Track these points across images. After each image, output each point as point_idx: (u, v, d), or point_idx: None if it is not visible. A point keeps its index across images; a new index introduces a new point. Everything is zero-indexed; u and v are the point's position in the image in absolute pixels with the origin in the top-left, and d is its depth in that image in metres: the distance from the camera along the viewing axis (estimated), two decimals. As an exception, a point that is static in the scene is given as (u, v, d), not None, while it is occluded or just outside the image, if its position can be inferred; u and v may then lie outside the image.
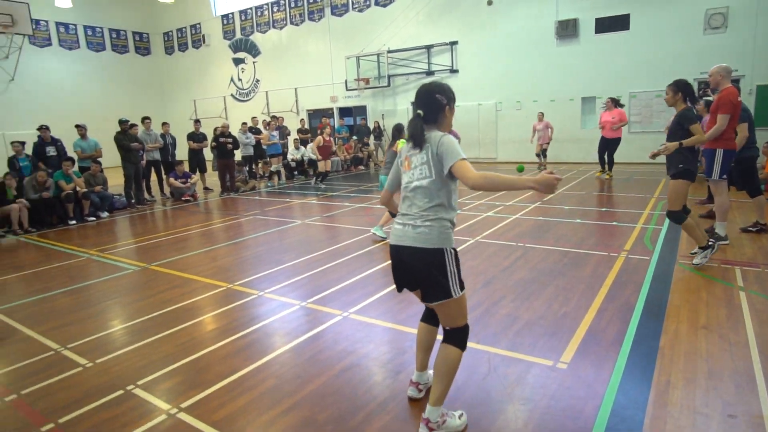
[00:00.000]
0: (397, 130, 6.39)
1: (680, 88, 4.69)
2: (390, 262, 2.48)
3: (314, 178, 12.76)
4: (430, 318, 2.67)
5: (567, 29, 13.61)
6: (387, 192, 2.71)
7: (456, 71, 15.83)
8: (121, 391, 2.99)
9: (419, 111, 2.37)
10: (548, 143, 13.28)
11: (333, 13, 18.10)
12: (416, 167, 2.33)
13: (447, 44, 15.74)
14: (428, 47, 16.09)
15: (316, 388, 2.91)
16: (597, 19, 13.30)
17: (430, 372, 2.76)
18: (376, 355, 3.28)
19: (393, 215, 6.70)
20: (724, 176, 5.23)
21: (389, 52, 16.49)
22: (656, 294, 4.08)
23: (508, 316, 3.80)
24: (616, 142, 10.91)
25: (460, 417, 2.47)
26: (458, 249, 5.83)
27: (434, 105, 2.34)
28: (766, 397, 2.58)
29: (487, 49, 15.12)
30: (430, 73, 16.23)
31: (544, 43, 14.15)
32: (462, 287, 2.33)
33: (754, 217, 5.91)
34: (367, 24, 17.20)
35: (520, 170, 6.07)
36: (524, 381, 2.87)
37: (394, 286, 4.52)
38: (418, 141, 2.32)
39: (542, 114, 13.38)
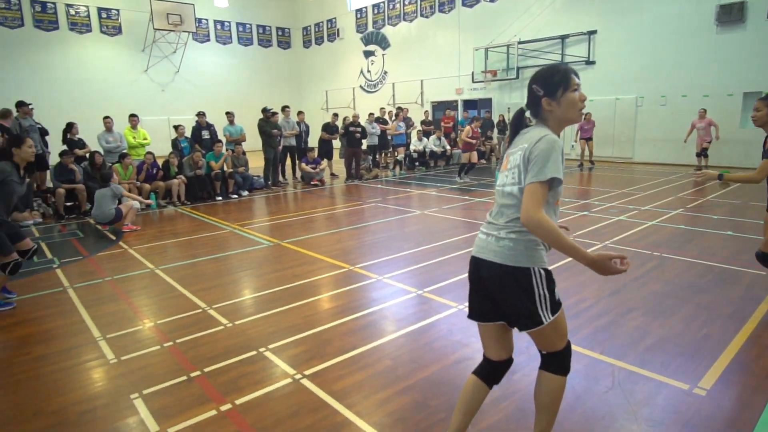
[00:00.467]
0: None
1: None
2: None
3: (459, 171, 11.73)
4: (485, 373, 2.14)
5: (731, 14, 11.93)
6: None
7: (592, 62, 14.76)
8: (254, 352, 3.34)
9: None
10: (710, 143, 11.93)
11: (464, 4, 17.89)
12: (510, 169, 1.96)
13: (584, 34, 14.72)
14: (563, 37, 15.19)
15: (430, 375, 2.98)
16: (773, 2, 11.46)
17: None
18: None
19: None
20: None
21: (520, 42, 15.89)
22: (829, 325, 3.48)
23: (637, 329, 3.51)
24: None
25: None
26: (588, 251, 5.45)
27: (531, 96, 1.98)
28: None
29: (629, 38, 13.84)
30: (563, 64, 15.32)
31: (700, 30, 12.56)
32: (555, 309, 1.93)
33: None
34: (499, 14, 16.72)
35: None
36: (653, 402, 2.64)
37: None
38: (511, 135, 2.05)
39: (704, 111, 11.97)
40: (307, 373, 3.05)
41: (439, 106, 19.15)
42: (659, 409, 2.57)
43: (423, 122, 15.36)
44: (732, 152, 12.58)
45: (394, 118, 14.60)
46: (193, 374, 3.07)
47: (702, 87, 12.75)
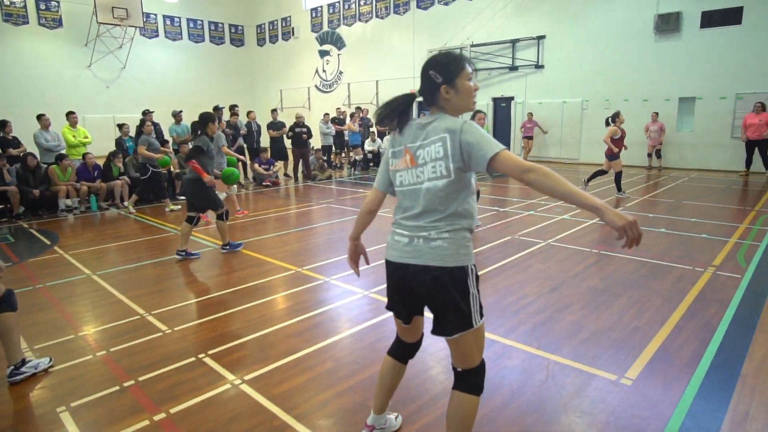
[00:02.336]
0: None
1: None
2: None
3: None
4: (399, 352, 2.21)
5: (668, 23, 12.62)
6: (380, 193, 2.13)
7: (541, 67, 15.24)
8: (193, 359, 3.25)
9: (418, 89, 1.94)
10: (661, 144, 12.82)
11: (419, 6, 18.08)
12: (426, 164, 1.83)
13: (534, 38, 15.18)
14: (513, 41, 15.62)
15: (372, 375, 2.99)
16: (704, 13, 12.20)
17: (390, 416, 2.42)
18: (434, 350, 3.30)
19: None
20: None
21: (473, 46, 16.21)
22: (744, 316, 3.73)
23: (573, 324, 3.65)
24: (764, 143, 11.06)
25: None
26: (529, 251, 5.64)
27: (427, 83, 1.88)
28: None
29: (576, 43, 14.40)
30: (513, 68, 15.77)
31: (641, 38, 13.22)
32: (482, 313, 1.89)
33: None
34: (452, 17, 17.01)
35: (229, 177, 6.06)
36: (583, 393, 2.75)
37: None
38: (387, 117, 1.93)
39: (656, 114, 12.72)
40: (247, 378, 3.00)
41: (395, 107, 19.23)
42: (588, 400, 2.68)
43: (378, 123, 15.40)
44: (669, 154, 13.31)
45: (349, 118, 14.58)
46: (126, 384, 2.96)
47: (642, 92, 13.42)
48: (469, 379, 1.94)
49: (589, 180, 9.28)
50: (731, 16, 11.85)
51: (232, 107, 11.81)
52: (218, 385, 2.92)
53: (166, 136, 10.95)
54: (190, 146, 6.05)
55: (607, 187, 9.90)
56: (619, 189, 9.02)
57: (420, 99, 1.98)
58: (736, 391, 2.73)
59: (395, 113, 1.94)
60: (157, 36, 21.57)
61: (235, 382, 2.95)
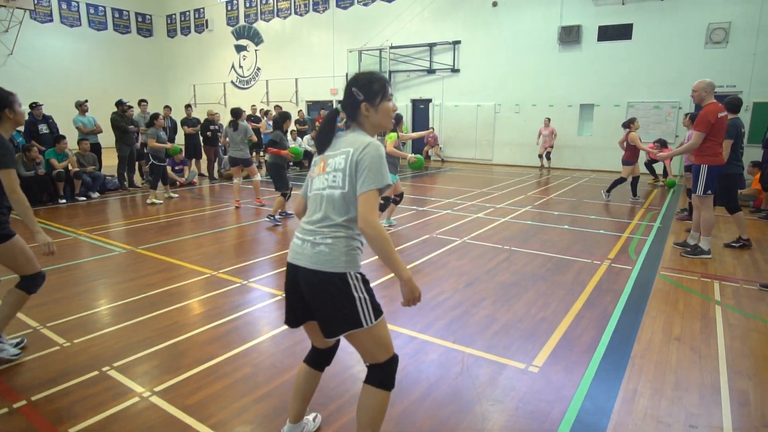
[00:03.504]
0: (396, 120, 6.42)
1: None
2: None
3: None
4: (314, 360, 2.24)
5: (570, 35, 13.64)
6: (303, 200, 2.16)
7: (457, 71, 15.84)
8: (96, 372, 3.01)
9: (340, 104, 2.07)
10: (551, 147, 13.75)
11: (338, 6, 18.05)
12: (330, 172, 1.93)
13: (450, 43, 15.74)
14: (431, 45, 16.08)
15: (290, 378, 2.94)
16: (600, 27, 13.34)
17: (308, 417, 2.43)
18: (352, 349, 3.29)
19: (396, 203, 6.77)
20: (709, 191, 5.27)
21: (392, 47, 16.47)
22: (634, 303, 4.14)
23: (487, 317, 3.84)
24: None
25: None
26: (446, 249, 5.80)
27: (349, 99, 1.98)
28: (729, 410, 2.63)
29: (489, 50, 15.14)
30: (431, 71, 16.24)
31: (546, 47, 14.18)
32: (378, 314, 1.92)
33: (737, 232, 5.98)
34: (372, 18, 17.17)
35: (418, 164, 6.47)
36: (495, 382, 2.91)
37: (384, 279, 4.59)
38: (319, 141, 2.04)
39: (548, 120, 13.64)
40: (157, 389, 2.83)
41: (314, 106, 19.09)
42: (500, 389, 2.84)
43: (297, 122, 15.18)
44: (571, 156, 14.41)
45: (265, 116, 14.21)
46: (16, 405, 2.68)
47: (548, 98, 14.40)
48: (377, 373, 2.00)
49: (609, 190, 9.20)
50: (623, 32, 13.07)
51: (140, 102, 11.07)
52: (125, 399, 2.73)
53: (67, 128, 9.99)
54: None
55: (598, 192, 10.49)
56: (634, 194, 9.21)
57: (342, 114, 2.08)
58: (626, 371, 3.03)
59: (330, 135, 2.03)
60: (51, 21, 19.68)
61: (144, 394, 2.78)
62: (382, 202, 6.51)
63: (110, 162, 11.22)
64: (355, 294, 1.88)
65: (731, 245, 5.88)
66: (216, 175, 12.21)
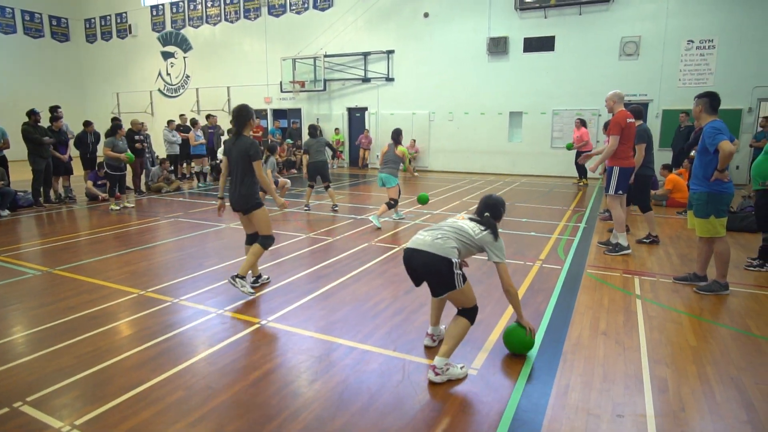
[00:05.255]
0: (397, 134, 7.68)
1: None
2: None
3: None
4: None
5: (498, 46, 14.24)
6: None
7: (392, 79, 16.07)
8: (6, 409, 2.74)
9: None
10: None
11: (270, 13, 17.81)
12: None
13: (384, 52, 15.95)
14: (365, 54, 16.22)
15: (227, 399, 2.82)
16: (525, 39, 14.03)
17: (442, 327, 3.53)
18: (292, 363, 3.23)
19: (390, 206, 7.39)
20: (620, 192, 5.70)
21: (326, 56, 16.45)
22: (564, 301, 4.34)
23: (426, 323, 3.87)
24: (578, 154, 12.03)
25: (461, 368, 3.05)
26: (385, 256, 5.80)
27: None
28: (650, 397, 2.81)
29: (422, 59, 15.49)
30: (366, 79, 16.37)
31: (477, 57, 14.71)
32: (465, 281, 3.05)
33: (647, 230, 6.47)
34: (305, 27, 17.08)
35: (424, 199, 6.80)
36: (436, 387, 2.93)
37: (319, 292, 4.53)
38: None
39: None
40: (79, 422, 2.61)
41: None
42: (441, 394, 2.86)
43: (230, 131, 14.73)
44: (502, 162, 14.99)
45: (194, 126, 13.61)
46: None
47: (480, 106, 14.93)
48: (465, 313, 3.12)
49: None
50: (546, 44, 13.82)
51: (54, 109, 10.11)
52: (40, 437, 2.50)
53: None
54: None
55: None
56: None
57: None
58: (558, 368, 3.16)
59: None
60: (-51, 23, 17.97)
61: (64, 429, 2.56)
62: (391, 202, 7.51)
63: (24, 177, 10.35)
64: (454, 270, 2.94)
65: (642, 241, 6.35)
66: (143, 187, 11.59)
